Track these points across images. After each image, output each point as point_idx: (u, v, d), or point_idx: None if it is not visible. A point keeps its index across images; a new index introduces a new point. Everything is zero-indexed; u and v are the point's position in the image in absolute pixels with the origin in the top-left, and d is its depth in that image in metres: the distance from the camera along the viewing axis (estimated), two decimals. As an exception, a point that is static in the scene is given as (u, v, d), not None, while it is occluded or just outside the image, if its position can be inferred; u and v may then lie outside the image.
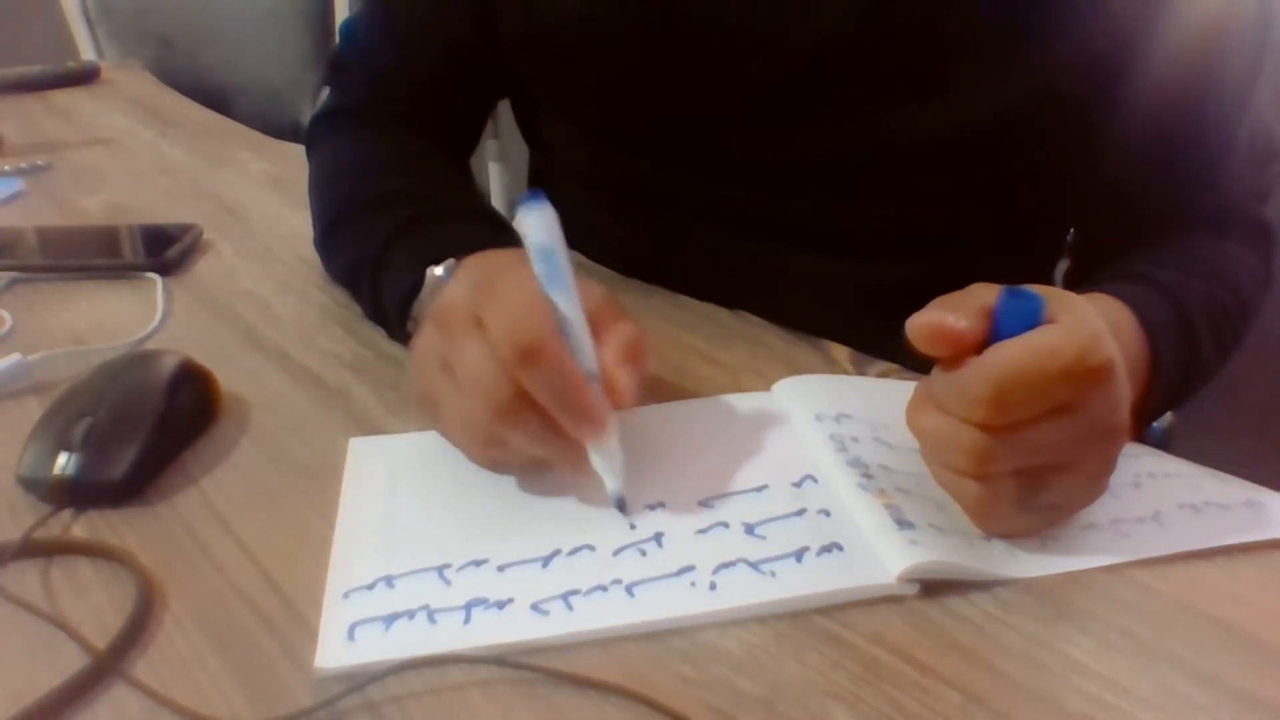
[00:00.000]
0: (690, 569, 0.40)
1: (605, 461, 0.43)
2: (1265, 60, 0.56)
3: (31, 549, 0.42)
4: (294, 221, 0.78)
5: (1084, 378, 0.37)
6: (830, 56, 0.57)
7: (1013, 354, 0.36)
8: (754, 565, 0.40)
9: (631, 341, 0.44)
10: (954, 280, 0.41)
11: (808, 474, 0.45)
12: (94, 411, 0.47)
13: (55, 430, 0.46)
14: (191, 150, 1.00)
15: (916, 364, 0.40)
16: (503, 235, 0.47)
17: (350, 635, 0.37)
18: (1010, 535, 0.41)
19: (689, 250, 0.68)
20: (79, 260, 0.71)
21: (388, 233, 0.57)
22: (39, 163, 0.96)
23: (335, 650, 0.36)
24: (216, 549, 0.42)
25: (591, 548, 0.41)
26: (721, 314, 0.63)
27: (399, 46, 0.70)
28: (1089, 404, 0.37)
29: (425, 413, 0.46)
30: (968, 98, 0.56)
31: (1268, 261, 0.60)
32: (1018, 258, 0.67)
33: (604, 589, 0.39)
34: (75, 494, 0.45)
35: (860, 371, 0.56)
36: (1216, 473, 0.47)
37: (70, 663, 0.36)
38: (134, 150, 1.01)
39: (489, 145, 2.03)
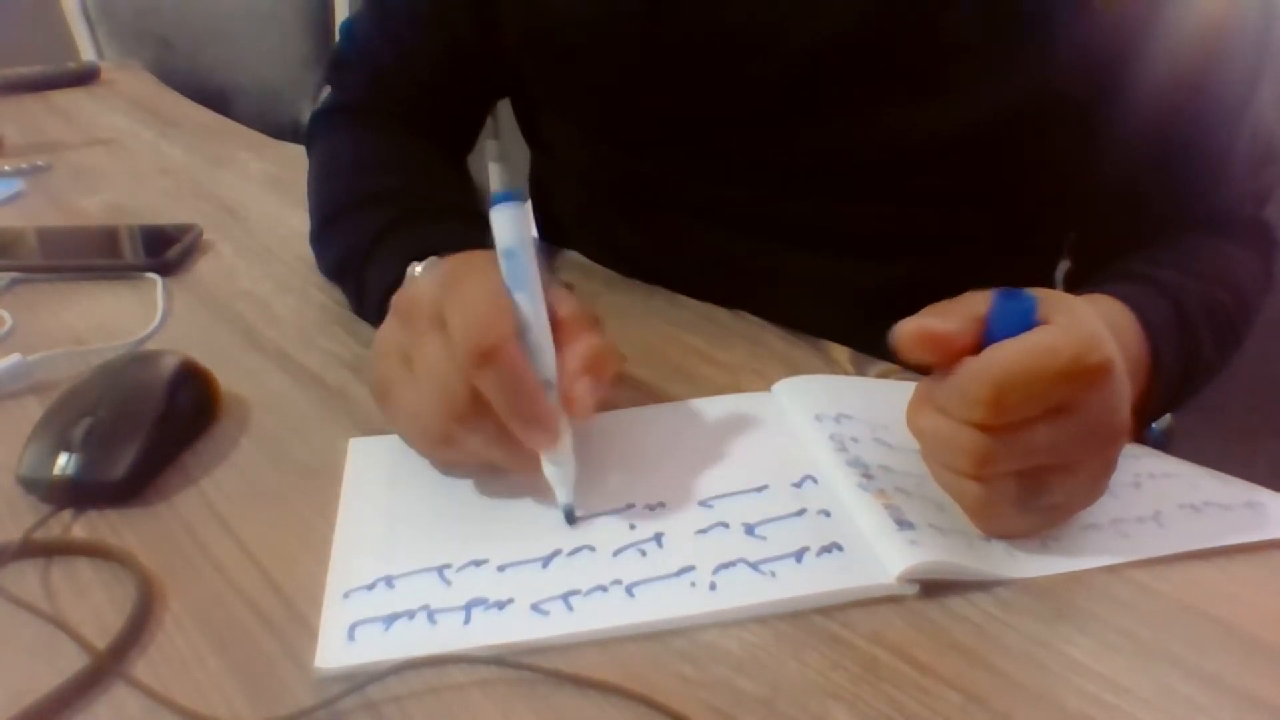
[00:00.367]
0: (690, 569, 0.40)
1: (556, 470, 0.43)
2: (1266, 61, 0.56)
3: (31, 549, 0.42)
4: (294, 221, 0.78)
5: (1082, 377, 0.37)
6: (831, 56, 0.57)
7: (1010, 354, 0.36)
8: (754, 565, 0.40)
9: (597, 353, 0.43)
10: (954, 280, 0.41)
11: (808, 474, 0.45)
12: (94, 411, 0.47)
13: (55, 430, 0.46)
14: (191, 150, 1.00)
15: (916, 364, 0.40)
16: (491, 234, 0.47)
17: (350, 635, 0.37)
18: (1010, 536, 0.41)
19: (689, 250, 0.68)
20: (79, 260, 0.71)
21: (376, 229, 0.58)
22: (39, 163, 0.96)
23: (335, 650, 0.36)
24: (216, 549, 0.42)
25: (591, 548, 0.41)
26: (721, 314, 0.63)
27: (399, 46, 0.70)
28: (1088, 404, 0.37)
29: (381, 405, 0.46)
30: (968, 98, 0.56)
31: (1268, 262, 0.60)
32: (1018, 258, 0.67)
33: (604, 589, 0.39)
34: (75, 494, 0.45)
35: (860, 372, 0.56)
36: (1216, 473, 0.47)
37: (70, 663, 0.36)
38: (134, 150, 1.01)
39: (489, 145, 2.03)
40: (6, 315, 0.63)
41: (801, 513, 0.43)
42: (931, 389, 0.39)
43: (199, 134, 1.07)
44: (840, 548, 0.41)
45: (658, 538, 0.42)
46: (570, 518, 0.43)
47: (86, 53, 1.72)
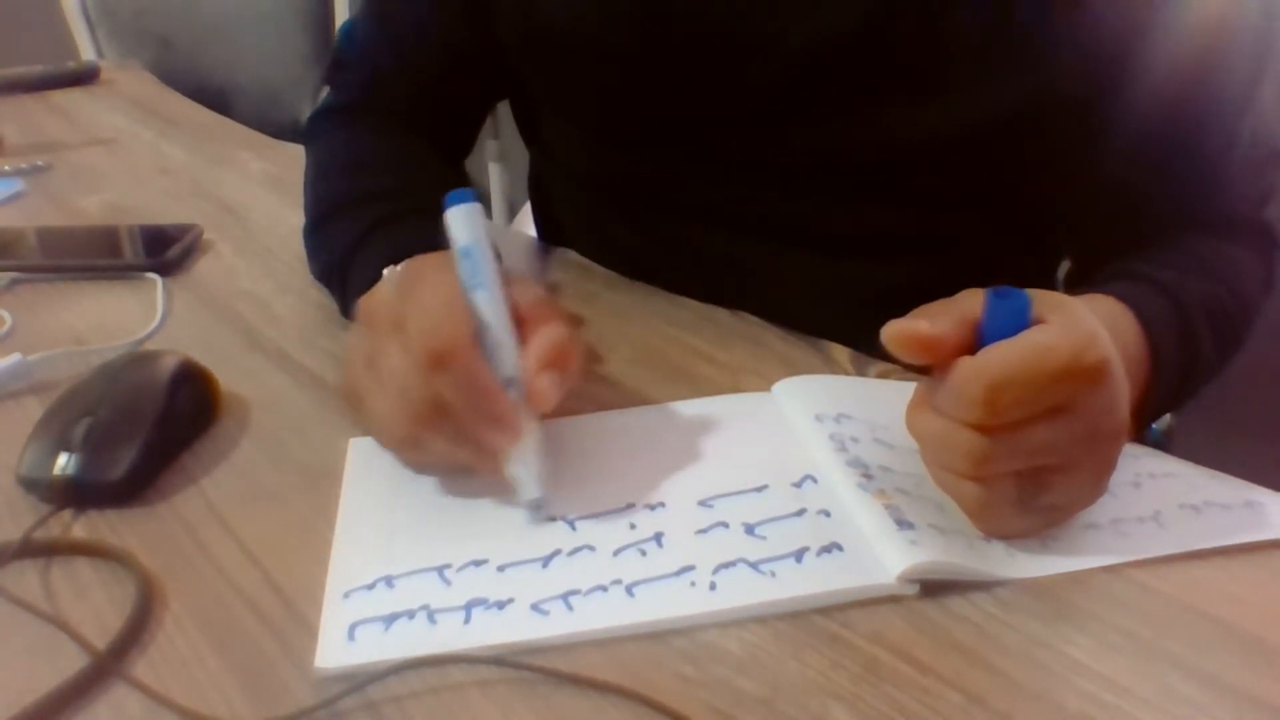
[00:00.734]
0: (690, 569, 0.40)
1: (522, 468, 0.43)
2: (1268, 62, 0.56)
3: (31, 549, 0.42)
4: (294, 221, 0.78)
5: (1079, 377, 0.37)
6: (830, 57, 0.57)
7: (1006, 354, 0.36)
8: (754, 565, 0.40)
9: (558, 344, 0.44)
10: (955, 281, 0.41)
11: (808, 474, 0.45)
12: (94, 412, 0.47)
13: (55, 430, 0.46)
14: (191, 150, 1.00)
15: (916, 365, 0.40)
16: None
17: (350, 635, 0.37)
18: (1010, 536, 0.41)
19: (689, 251, 0.68)
20: (79, 260, 0.71)
21: (360, 231, 0.58)
22: (39, 163, 0.96)
23: (335, 650, 0.36)
24: (216, 549, 0.42)
25: (591, 548, 0.41)
26: (721, 314, 0.63)
27: (397, 47, 0.70)
28: (1086, 404, 0.37)
29: (352, 410, 0.46)
30: (968, 99, 0.56)
31: (1269, 263, 0.60)
32: (1019, 258, 0.67)
33: (604, 589, 0.39)
34: (75, 494, 0.45)
35: (860, 372, 0.56)
36: (1216, 473, 0.47)
37: (70, 663, 0.36)
38: (134, 150, 1.01)
39: (489, 145, 2.03)
40: (6, 315, 0.63)
41: (801, 513, 0.43)
42: (930, 390, 0.39)
43: (199, 134, 1.07)
44: (840, 548, 0.41)
45: (658, 538, 0.42)
46: (538, 512, 0.43)
47: (86, 53, 1.73)
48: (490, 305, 0.43)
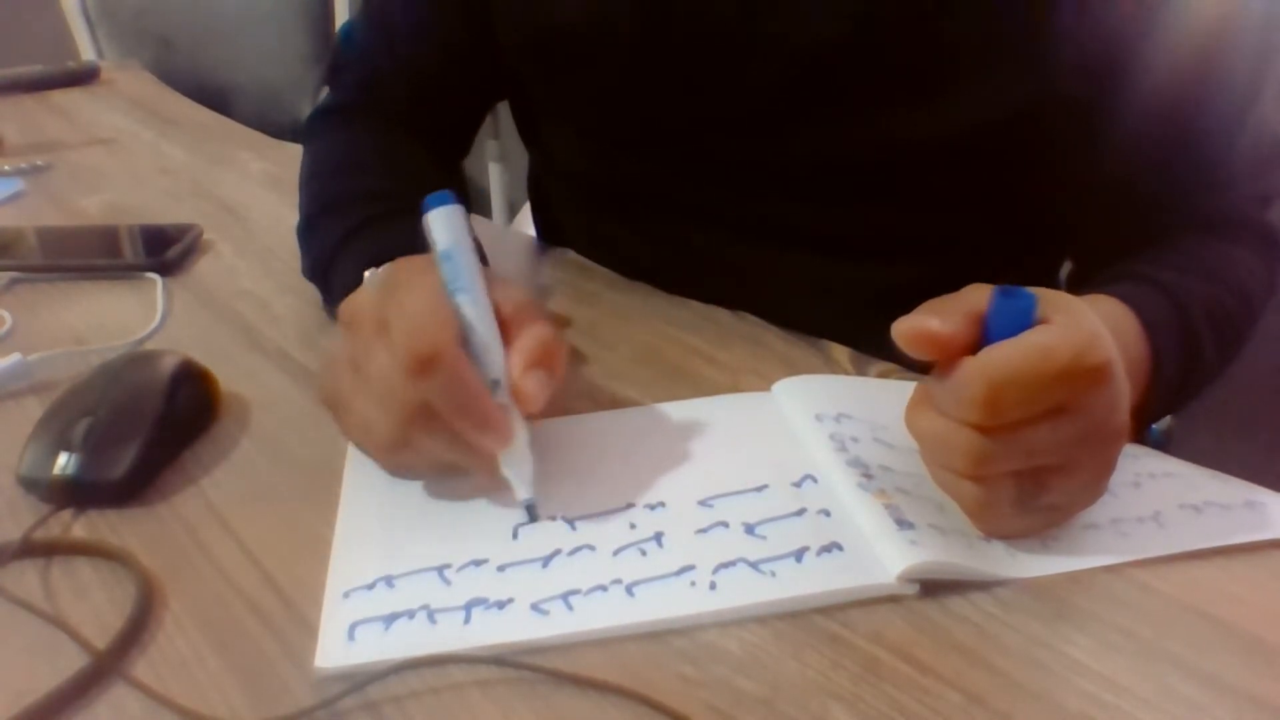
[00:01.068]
0: (690, 569, 0.40)
1: (513, 468, 0.43)
2: (1270, 63, 0.56)
3: (31, 549, 0.42)
4: (293, 221, 0.77)
5: (1081, 378, 0.37)
6: (829, 59, 0.57)
7: (1007, 355, 0.36)
8: (754, 565, 0.40)
9: (543, 344, 0.44)
10: (955, 282, 0.41)
11: (808, 474, 0.45)
12: (94, 411, 0.47)
13: (55, 430, 0.46)
14: (191, 150, 1.00)
15: (916, 364, 0.40)
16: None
17: (350, 635, 0.37)
18: (1009, 536, 0.41)
19: (688, 252, 0.68)
20: (79, 260, 0.71)
21: (344, 231, 0.58)
22: (39, 163, 0.96)
23: (335, 650, 0.36)
24: (216, 549, 0.42)
25: (591, 548, 0.41)
26: (721, 314, 0.63)
27: (395, 49, 0.70)
28: (1087, 405, 0.37)
29: (333, 414, 0.46)
30: (967, 100, 0.56)
31: (1271, 264, 0.60)
32: (1020, 260, 0.67)
33: (604, 589, 0.39)
34: (75, 494, 0.45)
35: (860, 372, 0.56)
36: (1216, 473, 0.47)
37: (70, 663, 0.36)
38: (134, 150, 1.01)
39: (489, 145, 2.03)
40: (6, 315, 0.63)
41: (801, 512, 0.43)
42: (930, 390, 0.39)
43: (199, 134, 1.07)
44: (840, 547, 0.41)
45: (658, 537, 0.42)
46: (533, 514, 0.43)
47: (86, 53, 1.73)
48: (473, 308, 0.43)
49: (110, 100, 1.21)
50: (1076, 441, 0.38)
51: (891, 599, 0.39)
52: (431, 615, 0.38)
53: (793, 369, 0.55)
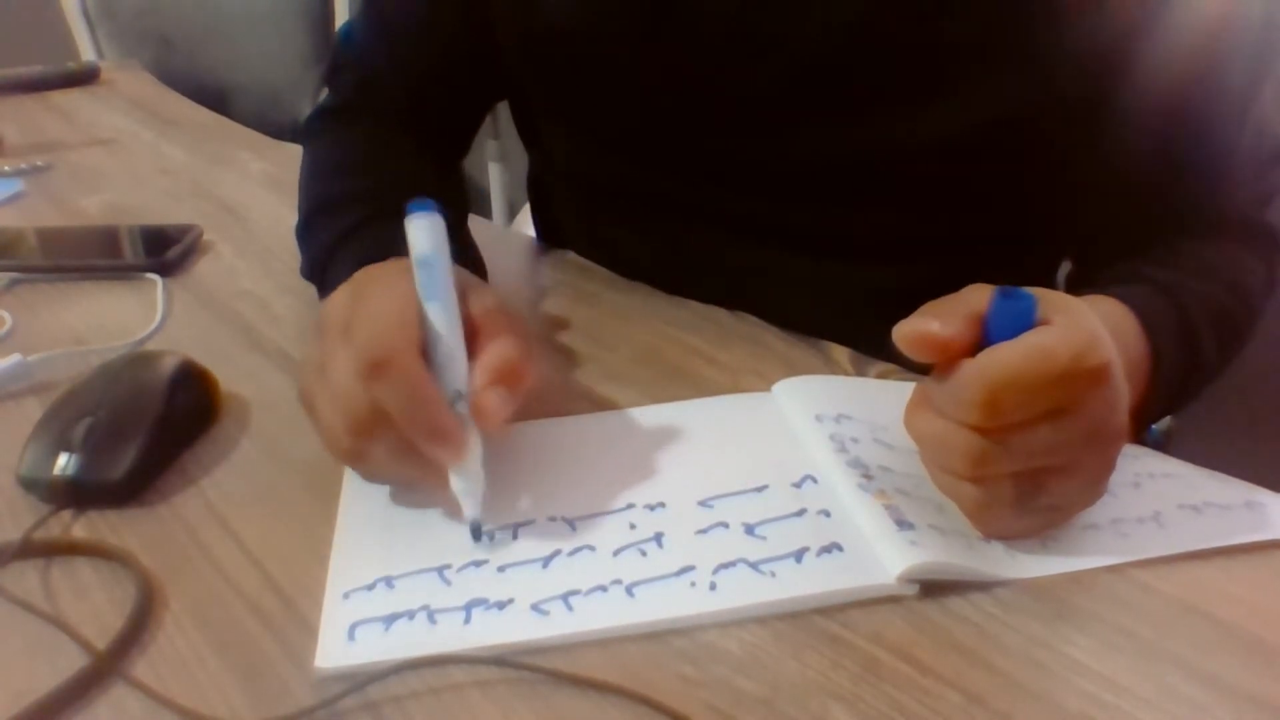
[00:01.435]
0: (690, 569, 0.40)
1: (463, 484, 0.42)
2: (1269, 63, 0.56)
3: (31, 549, 0.42)
4: (293, 221, 0.78)
5: (1080, 379, 0.37)
6: (830, 60, 0.57)
7: (1007, 356, 0.36)
8: (754, 565, 0.40)
9: (507, 360, 0.43)
10: (955, 283, 0.41)
11: (808, 474, 0.45)
12: (94, 412, 0.47)
13: (55, 430, 0.46)
14: (191, 150, 1.01)
15: (916, 365, 0.40)
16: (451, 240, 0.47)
17: (350, 635, 0.37)
18: (1009, 537, 0.41)
19: (688, 253, 0.68)
20: (79, 260, 0.71)
21: (338, 232, 0.58)
22: (39, 163, 0.96)
23: (335, 650, 0.36)
24: (216, 549, 0.42)
25: (591, 548, 0.41)
26: (721, 315, 0.63)
27: (393, 50, 0.70)
28: (1086, 406, 0.37)
29: (309, 418, 0.45)
30: (967, 101, 0.56)
31: (1271, 265, 0.60)
32: (1020, 260, 0.67)
33: (604, 589, 0.39)
34: (75, 494, 0.45)
35: (860, 372, 0.56)
36: (1216, 473, 0.47)
37: (70, 663, 0.36)
38: (134, 150, 1.01)
39: (489, 145, 2.03)
40: (6, 315, 0.63)
41: (801, 513, 0.43)
42: (929, 391, 0.39)
43: (199, 134, 1.07)
44: (840, 548, 0.41)
45: (658, 538, 0.42)
46: (477, 534, 0.42)
47: (86, 53, 1.73)
48: (442, 317, 0.43)
49: (110, 100, 1.21)
50: (1076, 443, 0.38)
51: (891, 599, 0.39)
52: (431, 615, 0.38)
53: (793, 369, 0.55)
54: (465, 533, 0.42)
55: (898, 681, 0.35)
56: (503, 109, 0.78)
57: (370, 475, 0.45)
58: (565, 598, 0.39)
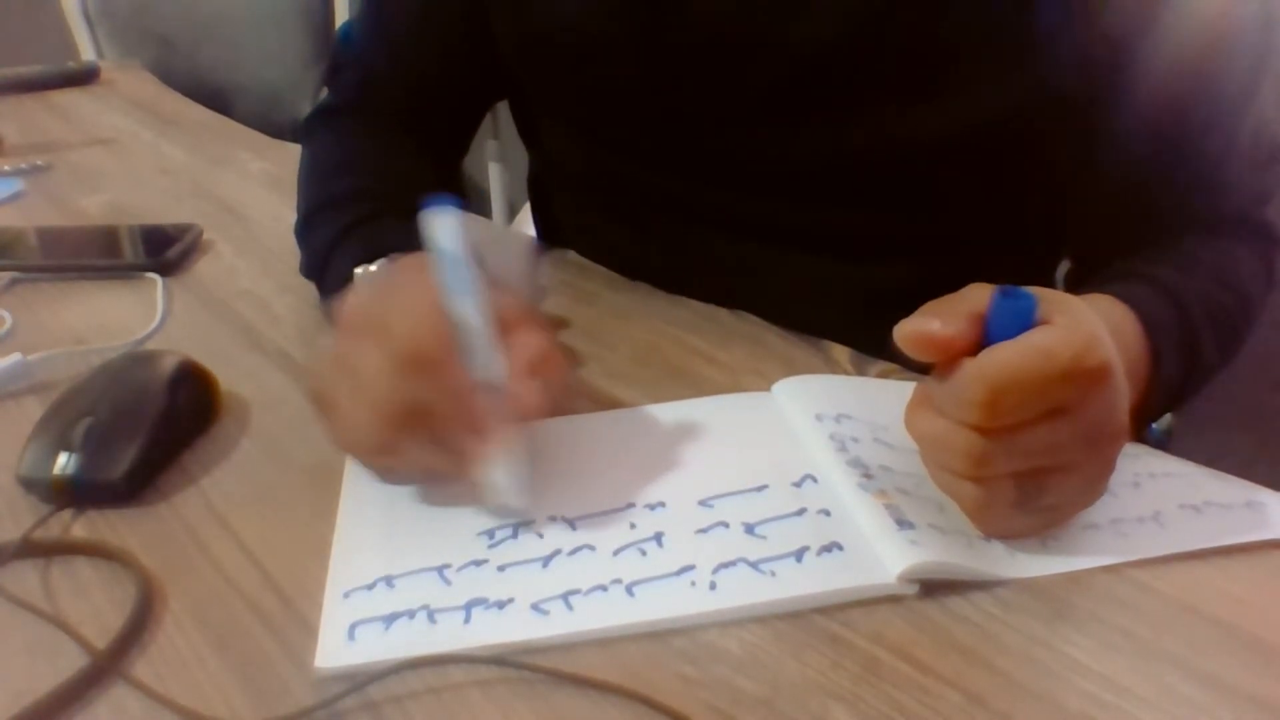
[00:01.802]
0: (690, 569, 0.40)
1: (501, 475, 0.42)
2: (1267, 61, 0.56)
3: (31, 549, 0.42)
4: (293, 221, 0.78)
5: (1080, 379, 0.37)
6: (829, 60, 0.57)
7: (1007, 356, 0.36)
8: (754, 565, 0.40)
9: (540, 352, 0.43)
10: (954, 282, 0.41)
11: (808, 474, 0.45)
12: (94, 411, 0.47)
13: (55, 430, 0.46)
14: (191, 150, 1.00)
15: (916, 365, 0.40)
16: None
17: (350, 635, 0.37)
18: (1009, 536, 0.41)
19: (688, 252, 0.68)
20: (79, 260, 0.71)
21: (337, 230, 0.58)
22: (39, 163, 0.96)
23: (335, 650, 0.36)
24: (216, 549, 0.42)
25: (591, 548, 0.41)
26: (722, 314, 0.63)
27: (392, 50, 0.70)
28: (1086, 406, 0.37)
29: (321, 413, 0.45)
30: (966, 100, 0.56)
31: (1269, 263, 0.60)
32: (1019, 259, 0.67)
33: (604, 589, 0.39)
34: (75, 494, 0.45)
35: (860, 372, 0.56)
36: (1216, 473, 0.47)
37: (70, 663, 0.36)
38: (134, 150, 1.01)
39: (489, 145, 2.03)
40: (6, 315, 0.63)
41: (801, 512, 0.43)
42: (929, 391, 0.39)
43: (199, 134, 1.07)
44: (840, 547, 0.41)
45: (658, 537, 0.42)
46: (524, 520, 0.42)
47: (86, 53, 1.73)
48: (473, 312, 0.43)
49: (110, 100, 1.21)
50: (1076, 442, 0.38)
51: (891, 599, 0.39)
52: (431, 615, 0.38)
53: (793, 369, 0.55)
54: (465, 533, 0.42)
55: (898, 681, 0.35)
56: (503, 109, 0.78)
57: (391, 471, 0.45)
58: (565, 597, 0.39)
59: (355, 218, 0.59)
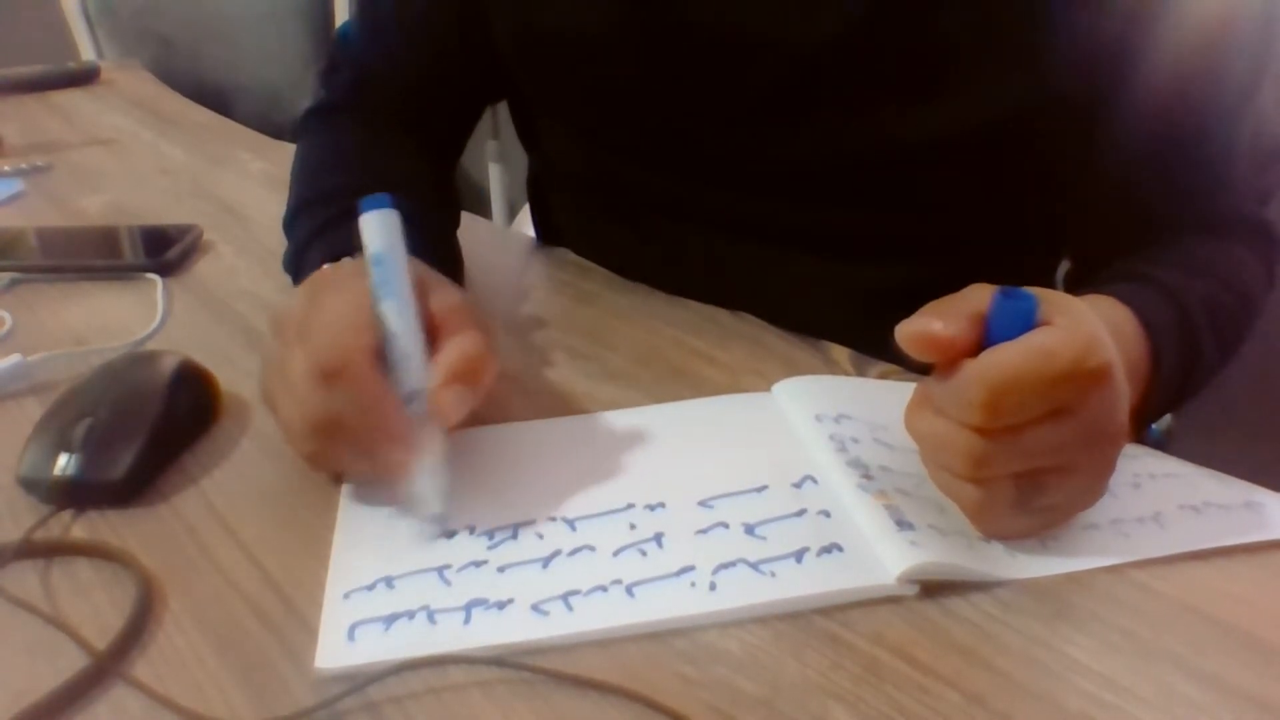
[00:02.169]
0: (690, 569, 0.40)
1: (424, 482, 0.42)
2: (1267, 61, 0.56)
3: (31, 549, 0.42)
4: (291, 220, 0.78)
5: (1081, 380, 0.37)
6: (828, 60, 0.57)
7: (1008, 357, 0.36)
8: (754, 565, 0.40)
9: (466, 357, 0.43)
10: (954, 282, 0.41)
11: (808, 474, 0.45)
12: (94, 412, 0.47)
13: (55, 431, 0.46)
14: (191, 150, 1.00)
15: (916, 365, 0.40)
16: (421, 235, 0.47)
17: (350, 635, 0.37)
18: (1009, 537, 0.41)
19: (687, 253, 0.68)
20: (79, 260, 0.71)
21: (313, 228, 0.59)
22: (39, 163, 0.96)
23: (335, 650, 0.36)
24: (216, 549, 0.42)
25: (591, 548, 0.41)
26: (721, 315, 0.63)
27: (387, 50, 0.70)
28: (1086, 407, 0.37)
29: (272, 416, 0.45)
30: (965, 100, 0.56)
31: (1269, 263, 0.60)
32: (1019, 260, 0.67)
33: (604, 589, 0.39)
34: (75, 494, 0.45)
35: (860, 372, 0.56)
36: (1216, 473, 0.47)
37: (70, 663, 0.36)
38: (134, 150, 1.01)
39: (489, 146, 2.03)
40: (6, 315, 0.63)
41: (801, 513, 0.43)
42: (929, 391, 0.39)
43: (199, 134, 1.07)
44: (840, 548, 0.41)
45: (658, 538, 0.42)
46: (443, 529, 0.42)
47: (86, 53, 1.73)
48: (398, 315, 0.43)
49: (110, 100, 1.21)
50: (1076, 443, 0.38)
51: (891, 599, 0.39)
52: (431, 616, 0.38)
53: (793, 369, 0.55)
54: (466, 533, 0.42)
55: (898, 681, 0.35)
56: (503, 109, 0.78)
57: (330, 471, 0.46)
58: (565, 598, 0.39)
59: (331, 215, 0.59)
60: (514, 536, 0.42)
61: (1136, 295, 0.52)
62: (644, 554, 0.41)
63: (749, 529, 0.42)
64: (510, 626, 0.37)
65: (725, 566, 0.40)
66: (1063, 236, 0.68)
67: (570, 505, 0.44)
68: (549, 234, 0.81)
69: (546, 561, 0.41)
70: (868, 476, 0.44)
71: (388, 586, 0.40)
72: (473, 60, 0.69)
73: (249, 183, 0.90)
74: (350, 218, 0.58)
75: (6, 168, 0.94)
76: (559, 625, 0.37)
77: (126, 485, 0.45)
